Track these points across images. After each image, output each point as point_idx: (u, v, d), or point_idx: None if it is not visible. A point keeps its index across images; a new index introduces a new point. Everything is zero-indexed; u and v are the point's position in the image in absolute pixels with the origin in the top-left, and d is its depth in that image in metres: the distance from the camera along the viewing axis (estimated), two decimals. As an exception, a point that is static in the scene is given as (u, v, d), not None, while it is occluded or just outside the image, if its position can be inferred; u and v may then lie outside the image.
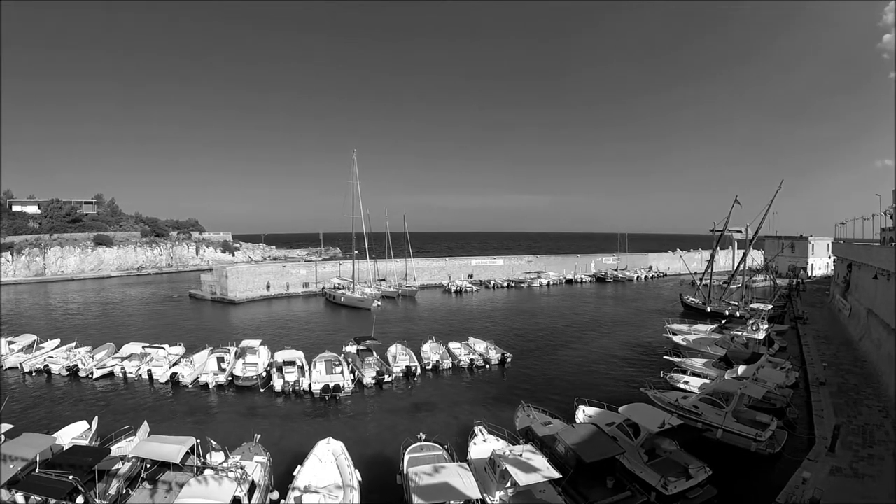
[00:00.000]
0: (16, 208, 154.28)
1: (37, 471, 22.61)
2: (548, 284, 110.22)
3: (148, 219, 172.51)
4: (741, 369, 36.60)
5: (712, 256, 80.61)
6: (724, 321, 60.33)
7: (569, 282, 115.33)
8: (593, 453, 22.03)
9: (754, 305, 63.91)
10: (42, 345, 50.72)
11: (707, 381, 35.94)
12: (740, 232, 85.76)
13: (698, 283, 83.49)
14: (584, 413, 29.83)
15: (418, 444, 25.71)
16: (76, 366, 43.97)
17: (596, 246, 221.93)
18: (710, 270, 78.34)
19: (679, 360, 43.09)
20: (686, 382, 36.67)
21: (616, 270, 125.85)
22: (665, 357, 44.49)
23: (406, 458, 24.23)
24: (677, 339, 49.99)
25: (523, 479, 19.94)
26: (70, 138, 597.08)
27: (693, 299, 76.85)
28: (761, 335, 47.94)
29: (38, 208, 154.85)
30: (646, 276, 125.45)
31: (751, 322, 51.92)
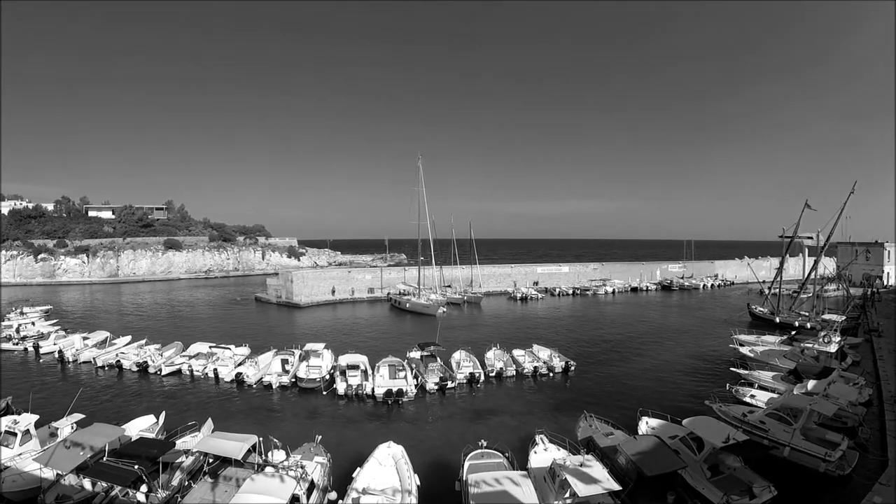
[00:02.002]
0: (92, 213, 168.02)
1: (105, 459, 24.06)
2: (613, 292, 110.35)
3: (216, 224, 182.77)
4: (811, 384, 35.30)
5: (781, 264, 78.03)
6: (793, 332, 58.07)
7: (634, 290, 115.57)
8: (655, 466, 22.14)
9: (826, 316, 62.27)
10: (114, 341, 54.70)
11: (775, 396, 35.51)
12: (811, 238, 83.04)
13: (767, 292, 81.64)
14: (646, 425, 29.81)
15: (479, 450, 25.99)
16: (146, 362, 46.91)
17: (661, 253, 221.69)
18: (779, 279, 76.24)
19: (746, 372, 42.53)
20: (753, 396, 36.19)
21: (682, 278, 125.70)
22: (731, 369, 44.00)
23: (466, 464, 24.51)
24: (744, 350, 49.56)
25: (583, 490, 19.84)
26: (143, 146, 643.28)
27: (761, 309, 75.67)
28: (833, 348, 45.98)
29: (113, 214, 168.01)
30: (712, 285, 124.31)
31: (822, 334, 49.89)
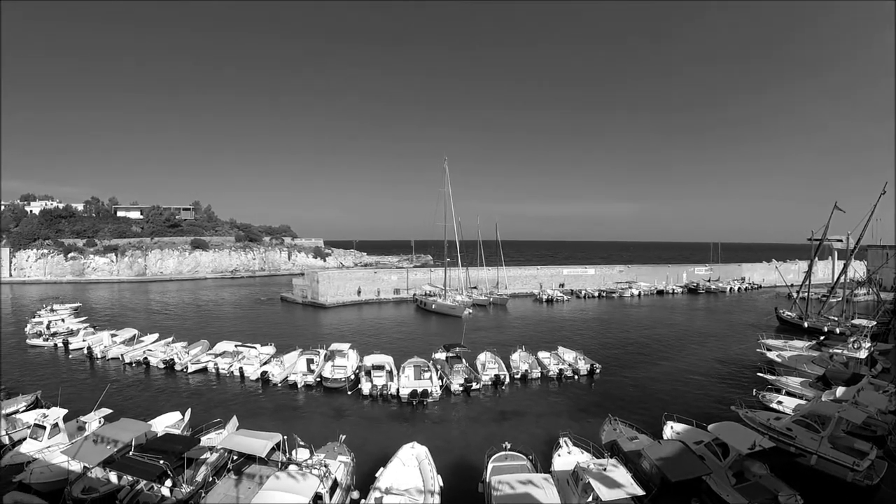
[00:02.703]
0: (120, 214, 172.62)
1: (131, 453, 24.65)
2: (639, 295, 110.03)
3: (242, 224, 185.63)
4: (840, 391, 34.69)
5: (810, 267, 76.78)
6: (822, 338, 56.34)
7: (660, 292, 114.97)
8: (679, 472, 22.03)
9: (856, 321, 61.54)
10: (142, 338, 56.01)
11: (802, 402, 35.03)
12: (841, 241, 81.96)
13: (795, 295, 79.51)
14: (671, 429, 29.74)
15: (503, 453, 26.10)
16: (172, 360, 47.89)
17: (688, 256, 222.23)
18: (807, 283, 74.96)
19: (773, 377, 42.14)
20: (780, 402, 35.80)
21: (708, 281, 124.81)
22: (758, 374, 43.68)
23: (490, 466, 24.65)
24: (772, 355, 49.23)
25: (606, 494, 19.80)
26: (171, 148, 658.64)
27: (789, 313, 74.63)
28: (863, 354, 45.15)
29: (141, 214, 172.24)
30: (739, 288, 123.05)
31: (852, 339, 49.01)
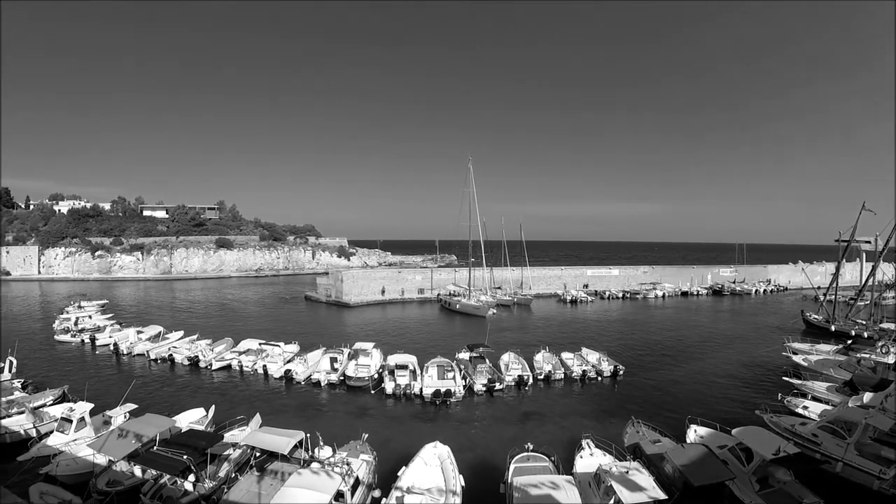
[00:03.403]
0: (146, 213, 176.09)
1: (155, 448, 25.13)
2: (663, 296, 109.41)
3: (266, 224, 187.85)
4: (867, 396, 33.72)
5: (837, 269, 75.11)
6: (849, 342, 55.53)
7: (684, 294, 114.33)
8: (702, 476, 22.11)
9: (884, 325, 61.59)
10: (167, 336, 57.02)
11: (829, 408, 34.64)
12: (869, 242, 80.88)
13: (822, 298, 78.66)
14: (695, 433, 29.79)
15: (525, 454, 26.27)
16: (197, 357, 48.72)
17: (712, 257, 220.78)
18: (835, 285, 73.58)
19: (799, 382, 41.61)
20: (805, 407, 35.48)
21: (734, 283, 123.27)
22: (784, 378, 43.08)
23: (512, 467, 24.86)
24: (798, 359, 48.54)
25: (628, 497, 19.90)
26: (196, 148, 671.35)
27: (816, 316, 73.53)
28: (891, 359, 44.04)
29: (166, 213, 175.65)
30: (765, 290, 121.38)
31: (880, 344, 47.65)
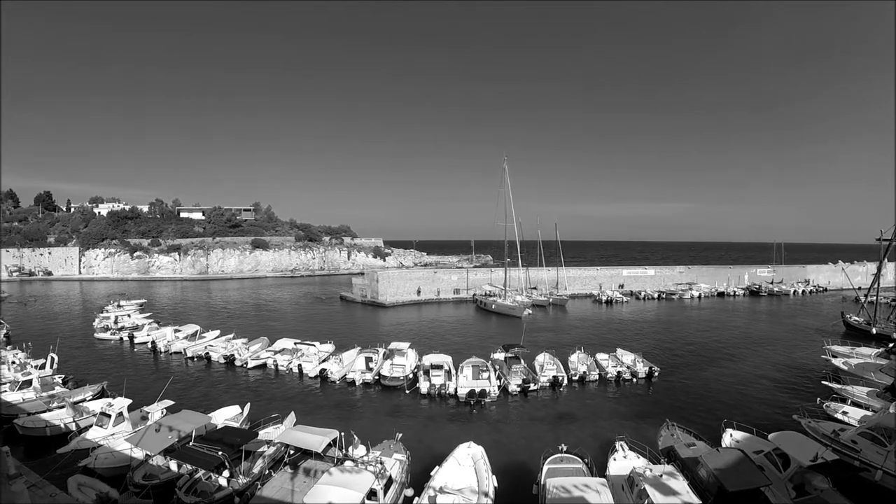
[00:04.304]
0: (183, 215, 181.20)
1: (191, 443, 25.91)
2: (699, 297, 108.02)
3: (302, 224, 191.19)
4: None
5: (879, 269, 72.67)
6: (891, 345, 53.78)
7: (720, 294, 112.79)
8: (737, 482, 21.81)
9: None
10: (203, 334, 58.19)
11: (869, 414, 33.76)
12: None
13: (863, 299, 76.33)
14: (730, 437, 29.49)
15: (559, 455, 26.23)
16: (233, 355, 49.73)
17: (750, 256, 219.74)
18: (876, 286, 71.32)
19: (838, 386, 40.75)
20: (845, 413, 34.66)
21: (771, 283, 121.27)
22: (823, 382, 42.29)
23: (545, 468, 24.83)
24: (837, 362, 47.69)
25: (661, 501, 19.90)
26: (232, 151, 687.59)
27: (856, 318, 71.67)
28: None
29: (203, 215, 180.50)
30: (803, 291, 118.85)
31: None
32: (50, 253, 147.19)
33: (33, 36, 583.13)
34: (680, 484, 21.10)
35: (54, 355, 44.15)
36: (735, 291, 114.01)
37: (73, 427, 31.61)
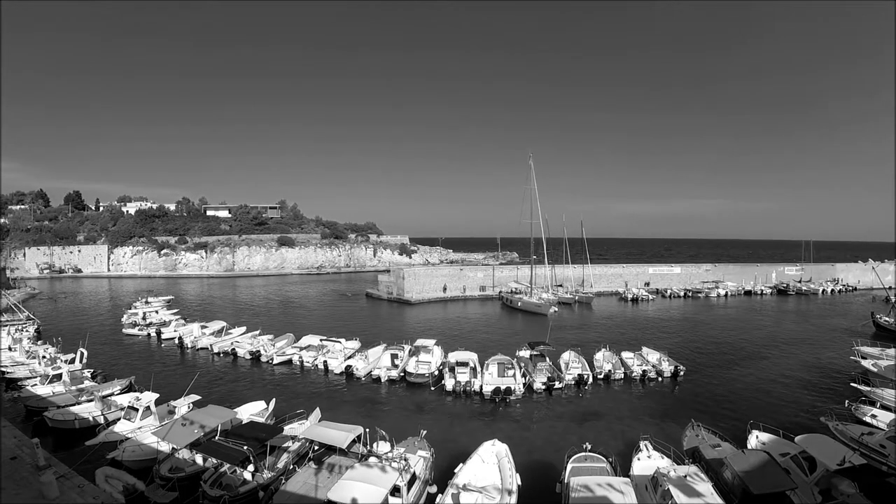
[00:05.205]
0: (210, 213, 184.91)
1: (216, 438, 26.36)
2: (725, 295, 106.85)
3: (328, 222, 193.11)
4: None
5: None
6: None
7: (747, 293, 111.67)
8: (762, 484, 21.62)
9: None
10: (230, 331, 59.25)
11: None
12: None
13: (893, 299, 75.13)
14: (756, 439, 29.23)
15: (582, 454, 26.20)
16: (259, 351, 50.40)
17: (778, 254, 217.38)
18: None
19: (867, 389, 40.21)
20: (874, 416, 33.97)
21: (799, 282, 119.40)
22: (851, 385, 41.96)
23: (569, 467, 24.82)
24: (867, 364, 46.67)
25: (685, 502, 19.88)
26: (259, 152, 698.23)
27: (887, 319, 69.80)
28: None
29: (229, 213, 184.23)
30: (832, 290, 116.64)
31: None
32: (79, 251, 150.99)
33: (68, 50, 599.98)
34: (704, 485, 21.08)
35: (83, 350, 45.18)
36: (762, 290, 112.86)
37: (101, 420, 32.35)
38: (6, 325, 61.15)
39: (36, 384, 39.10)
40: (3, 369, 43.33)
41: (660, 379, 44.78)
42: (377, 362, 46.51)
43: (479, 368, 43.27)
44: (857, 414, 34.51)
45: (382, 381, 43.31)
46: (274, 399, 35.38)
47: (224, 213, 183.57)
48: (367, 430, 28.39)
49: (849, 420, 33.15)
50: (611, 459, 25.86)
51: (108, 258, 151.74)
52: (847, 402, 36.21)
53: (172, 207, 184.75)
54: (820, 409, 35.85)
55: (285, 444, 27.39)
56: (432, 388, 41.23)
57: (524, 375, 42.30)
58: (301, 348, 51.09)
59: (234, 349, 51.97)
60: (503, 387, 38.70)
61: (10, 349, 49.98)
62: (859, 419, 33.75)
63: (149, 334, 61.03)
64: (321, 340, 51.80)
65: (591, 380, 42.92)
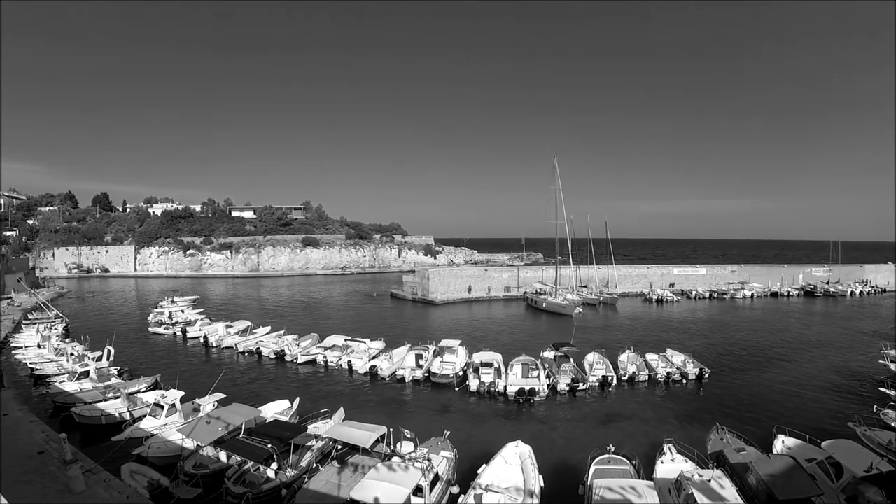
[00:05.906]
0: (235, 214, 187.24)
1: (240, 436, 26.65)
2: (751, 297, 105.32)
3: (352, 223, 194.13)
4: None
5: None
6: None
7: (774, 294, 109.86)
8: (787, 490, 21.28)
9: None
10: (255, 330, 59.97)
11: None
12: None
13: None
14: (782, 443, 28.96)
15: (606, 456, 26.09)
16: (283, 351, 50.88)
17: (804, 255, 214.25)
18: None
19: None
20: None
21: (827, 284, 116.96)
22: (880, 389, 41.37)
23: (592, 469, 24.77)
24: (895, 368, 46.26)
25: None
26: (286, 156, 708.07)
27: None
28: None
29: (254, 214, 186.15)
30: (861, 292, 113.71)
31: None
32: (107, 251, 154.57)
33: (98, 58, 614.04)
34: (728, 490, 20.94)
35: (110, 348, 46.07)
36: (789, 291, 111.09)
37: (127, 417, 32.97)
38: (36, 323, 62.76)
39: (64, 381, 40.03)
40: (32, 366, 44.49)
41: (684, 381, 44.41)
42: (402, 362, 46.57)
43: (503, 369, 43.18)
44: (886, 419, 34.05)
45: (407, 381, 43.38)
46: (298, 398, 35.64)
47: (249, 214, 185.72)
48: (391, 430, 28.46)
49: (877, 425, 32.69)
50: (634, 462, 25.77)
51: (135, 258, 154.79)
52: (875, 406, 35.78)
53: (198, 208, 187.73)
54: (847, 414, 35.19)
55: (309, 443, 27.67)
56: (456, 389, 41.24)
57: (548, 376, 42.24)
58: (325, 348, 51.44)
59: (258, 348, 52.49)
60: (527, 388, 38.68)
61: (39, 346, 51.28)
62: (888, 425, 33.21)
63: (174, 333, 62.03)
64: (346, 340, 52.03)
65: (615, 381, 42.75)
